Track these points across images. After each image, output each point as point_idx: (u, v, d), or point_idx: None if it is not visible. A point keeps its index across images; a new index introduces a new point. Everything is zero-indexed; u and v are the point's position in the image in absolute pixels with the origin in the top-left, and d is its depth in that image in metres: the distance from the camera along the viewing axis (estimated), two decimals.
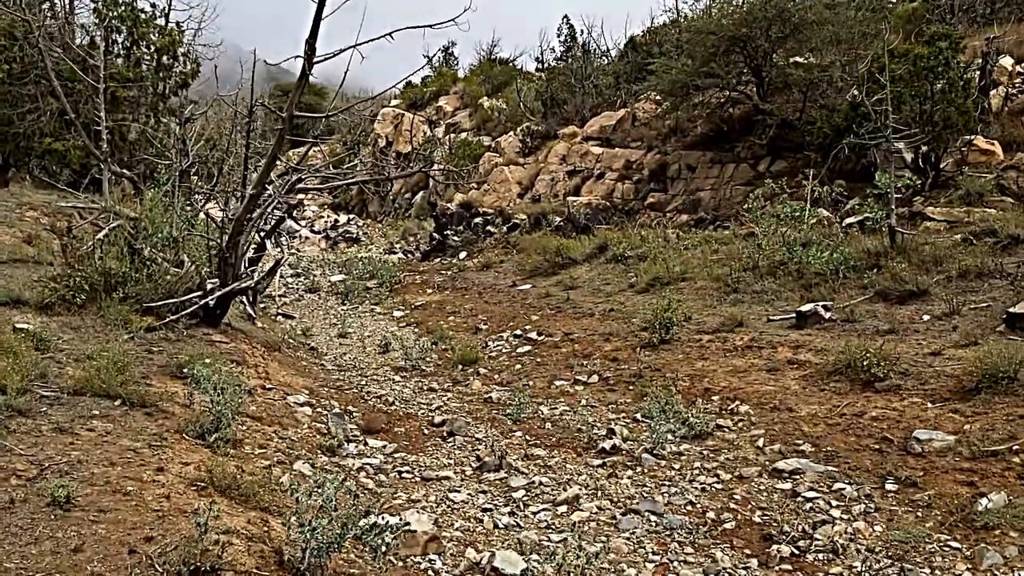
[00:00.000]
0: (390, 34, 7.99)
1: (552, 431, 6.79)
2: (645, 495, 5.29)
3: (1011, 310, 7.23)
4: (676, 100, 18.33)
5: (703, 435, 6.32)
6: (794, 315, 8.93)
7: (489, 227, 18.74)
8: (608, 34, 52.68)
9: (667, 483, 5.52)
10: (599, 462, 5.97)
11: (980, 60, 13.46)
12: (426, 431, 6.87)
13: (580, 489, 5.38)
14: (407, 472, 5.74)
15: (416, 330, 11.75)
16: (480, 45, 33.63)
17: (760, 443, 6.06)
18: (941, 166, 12.66)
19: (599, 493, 5.34)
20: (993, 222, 9.83)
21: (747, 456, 5.90)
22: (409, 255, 20.49)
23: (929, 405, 5.99)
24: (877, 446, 5.59)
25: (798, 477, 5.38)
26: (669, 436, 6.21)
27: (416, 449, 6.34)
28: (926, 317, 8.15)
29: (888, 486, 5.06)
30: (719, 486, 5.44)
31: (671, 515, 4.95)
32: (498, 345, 10.18)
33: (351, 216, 26.56)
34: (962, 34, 13.31)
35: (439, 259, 18.55)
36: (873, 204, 11.03)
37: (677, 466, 5.83)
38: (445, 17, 7.89)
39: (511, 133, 23.42)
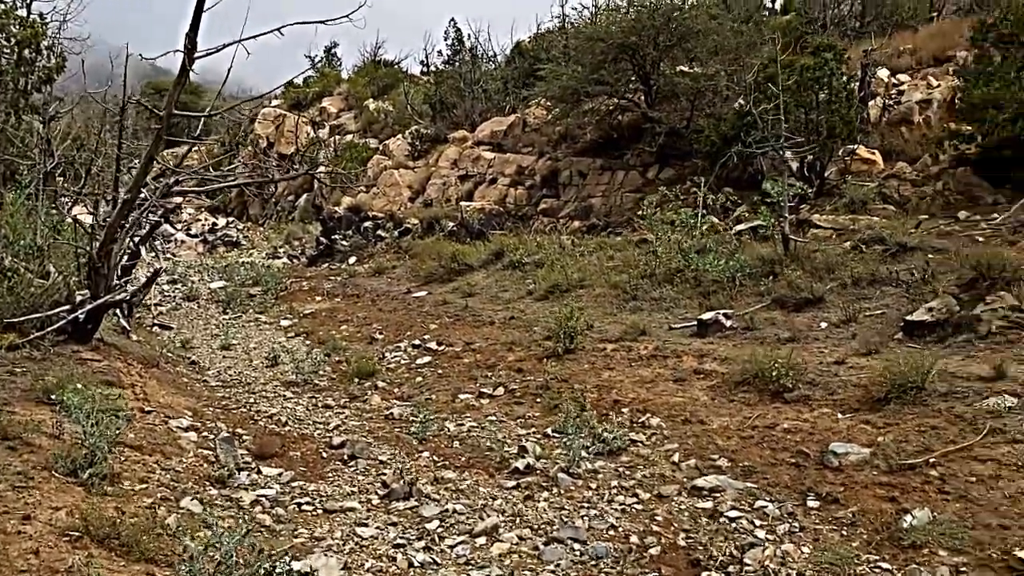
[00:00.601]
0: (279, 29, 7.48)
1: (461, 450, 6.44)
2: (565, 520, 5.02)
3: (908, 318, 7.37)
4: (566, 107, 18.30)
5: (617, 451, 6.10)
6: (695, 323, 8.92)
7: (380, 231, 18.20)
8: (495, 39, 52.61)
9: (586, 505, 5.27)
10: (513, 483, 5.66)
11: (859, 72, 13.96)
12: (324, 454, 6.40)
13: (497, 516, 5.05)
14: (307, 504, 5.26)
15: (306, 341, 11.15)
16: (365, 46, 32.79)
17: (675, 458, 5.91)
18: (826, 175, 13.04)
19: (518, 520, 5.02)
20: (880, 230, 10.11)
21: (664, 473, 5.73)
22: (294, 260, 19.70)
23: (840, 416, 5.98)
24: (794, 460, 5.52)
25: (718, 495, 5.23)
26: (583, 453, 5.98)
27: (315, 476, 5.87)
28: (824, 324, 8.27)
29: (810, 503, 4.97)
30: (639, 507, 5.23)
31: (595, 542, 4.69)
32: (396, 356, 9.74)
33: (231, 219, 25.40)
34: (843, 47, 13.77)
35: (327, 264, 17.88)
36: (765, 211, 11.20)
37: (594, 485, 5.59)
38: (332, 16, 7.50)
39: (400, 136, 22.90)
